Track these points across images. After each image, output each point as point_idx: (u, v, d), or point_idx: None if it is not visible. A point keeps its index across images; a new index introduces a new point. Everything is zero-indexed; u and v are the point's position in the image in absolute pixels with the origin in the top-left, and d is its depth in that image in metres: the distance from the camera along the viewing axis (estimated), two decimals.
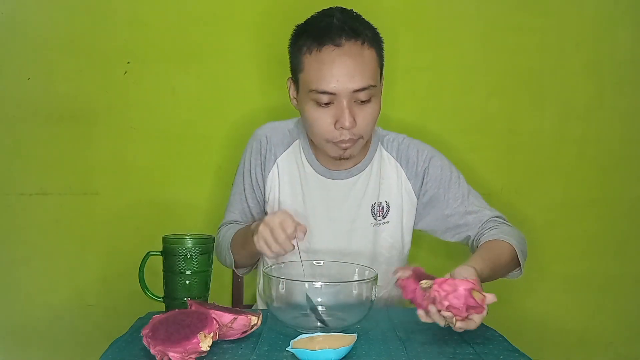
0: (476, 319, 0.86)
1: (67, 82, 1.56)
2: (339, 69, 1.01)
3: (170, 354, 0.76)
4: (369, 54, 1.04)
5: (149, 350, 0.78)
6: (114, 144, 1.58)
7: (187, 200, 1.60)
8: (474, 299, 0.84)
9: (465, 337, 0.92)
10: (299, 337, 0.83)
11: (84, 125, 1.57)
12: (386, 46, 1.56)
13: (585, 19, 1.63)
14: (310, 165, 1.19)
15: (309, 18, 1.09)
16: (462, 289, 0.83)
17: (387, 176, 1.19)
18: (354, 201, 1.18)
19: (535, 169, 1.66)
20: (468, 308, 0.84)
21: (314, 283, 0.91)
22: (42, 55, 1.55)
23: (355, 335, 0.83)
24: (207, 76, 1.59)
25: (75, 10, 1.55)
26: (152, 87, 1.58)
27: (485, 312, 0.86)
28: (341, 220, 1.19)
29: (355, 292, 0.91)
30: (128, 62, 1.57)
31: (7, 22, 1.53)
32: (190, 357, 0.77)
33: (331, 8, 1.08)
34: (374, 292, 0.92)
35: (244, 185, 1.24)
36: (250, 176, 1.23)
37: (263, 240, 0.98)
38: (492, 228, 1.15)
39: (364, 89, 1.03)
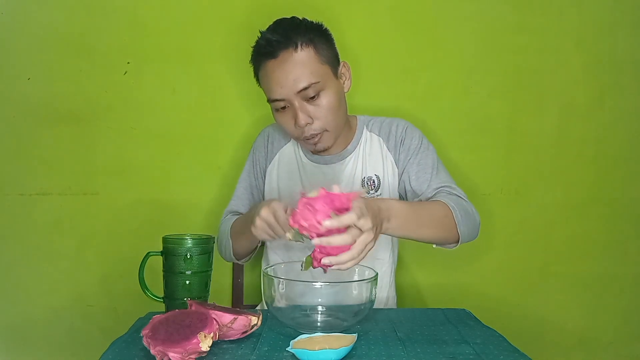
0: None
1: (67, 82, 1.56)
2: (279, 78, 1.11)
3: (170, 354, 0.76)
4: (304, 55, 1.11)
5: (149, 351, 0.78)
6: (114, 144, 1.58)
7: (187, 200, 1.60)
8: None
9: (466, 337, 0.92)
10: (299, 337, 0.83)
11: (84, 126, 1.57)
12: (385, 46, 1.59)
13: (585, 19, 1.63)
14: (305, 155, 1.30)
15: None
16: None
17: (373, 152, 1.27)
18: (348, 179, 1.27)
19: (535, 169, 1.66)
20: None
21: (313, 283, 0.91)
22: (42, 55, 1.55)
23: (355, 335, 0.83)
24: (207, 76, 1.59)
25: (75, 10, 1.55)
26: (152, 87, 1.58)
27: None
28: None
29: (355, 292, 0.91)
30: (128, 62, 1.57)
31: (7, 22, 1.54)
32: (190, 357, 0.77)
33: (271, 25, 1.15)
34: (374, 292, 0.92)
35: (248, 175, 1.36)
36: (254, 167, 1.35)
37: (263, 232, 1.03)
38: (443, 194, 1.16)
39: (306, 88, 1.11)
